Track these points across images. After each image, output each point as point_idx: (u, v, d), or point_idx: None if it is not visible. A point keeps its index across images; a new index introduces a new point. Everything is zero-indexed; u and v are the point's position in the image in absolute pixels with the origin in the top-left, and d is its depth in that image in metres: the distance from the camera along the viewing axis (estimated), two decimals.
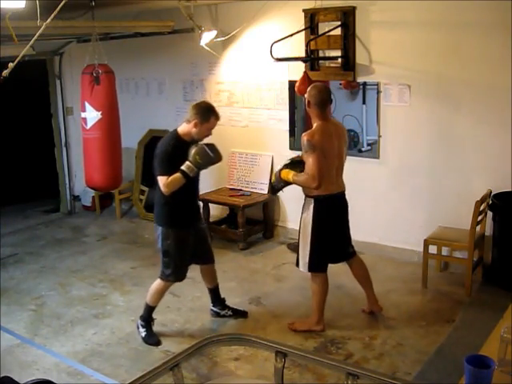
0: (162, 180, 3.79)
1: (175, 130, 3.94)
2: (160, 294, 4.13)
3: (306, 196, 4.01)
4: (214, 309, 4.45)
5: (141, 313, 4.21)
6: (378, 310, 4.35)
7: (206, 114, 3.85)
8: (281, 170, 4.06)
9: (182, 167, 3.74)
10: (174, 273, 4.05)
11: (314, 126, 3.93)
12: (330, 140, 3.91)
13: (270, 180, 4.24)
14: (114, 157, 5.17)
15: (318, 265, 4.04)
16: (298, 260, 4.12)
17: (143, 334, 4.14)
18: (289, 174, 3.95)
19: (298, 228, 4.12)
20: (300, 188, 4.07)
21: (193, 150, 3.77)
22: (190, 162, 3.75)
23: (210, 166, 3.87)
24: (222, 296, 4.47)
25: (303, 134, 3.91)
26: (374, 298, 4.32)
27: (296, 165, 4.04)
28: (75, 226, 7.05)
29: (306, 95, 4.02)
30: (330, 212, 4.03)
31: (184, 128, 3.89)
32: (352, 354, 3.87)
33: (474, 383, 1.84)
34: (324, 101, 3.92)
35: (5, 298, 4.96)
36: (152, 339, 4.11)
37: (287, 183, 4.07)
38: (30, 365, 3.91)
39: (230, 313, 4.42)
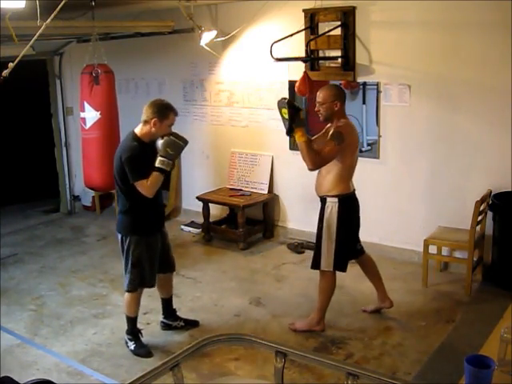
0: (142, 185, 3.65)
1: (133, 132, 3.78)
2: (135, 303, 3.97)
3: (326, 196, 3.94)
4: (166, 321, 4.29)
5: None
6: (388, 306, 4.30)
7: (165, 111, 3.73)
8: (283, 106, 3.76)
9: (157, 164, 3.64)
10: (145, 281, 3.91)
11: (341, 122, 3.87)
12: (356, 137, 3.97)
13: (283, 116, 3.82)
14: (112, 157, 5.17)
15: (342, 263, 4.02)
16: (318, 261, 4.01)
17: (132, 347, 3.98)
18: (302, 137, 3.79)
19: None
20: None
21: (161, 145, 3.66)
22: (163, 156, 3.64)
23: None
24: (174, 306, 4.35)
25: (336, 127, 3.84)
26: (384, 293, 4.30)
27: (297, 111, 3.78)
28: (75, 226, 7.05)
29: (321, 99, 3.87)
30: (353, 209, 4.04)
31: (142, 129, 3.75)
32: (352, 353, 3.87)
33: (474, 383, 1.84)
34: (345, 98, 3.96)
35: (5, 298, 4.95)
36: (142, 350, 3.96)
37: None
38: (30, 365, 3.91)
39: (182, 324, 4.28)
